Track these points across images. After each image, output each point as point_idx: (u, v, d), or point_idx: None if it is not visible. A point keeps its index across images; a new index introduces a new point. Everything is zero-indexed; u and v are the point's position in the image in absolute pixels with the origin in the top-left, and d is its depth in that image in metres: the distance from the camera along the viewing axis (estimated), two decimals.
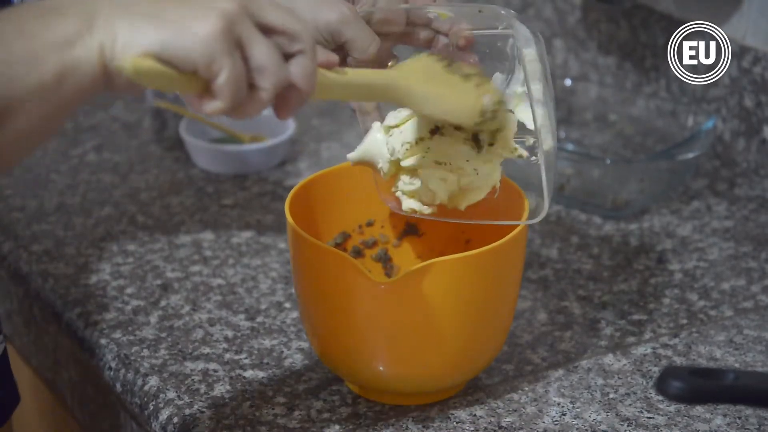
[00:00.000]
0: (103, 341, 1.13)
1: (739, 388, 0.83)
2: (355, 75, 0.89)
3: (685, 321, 1.16)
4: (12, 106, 0.75)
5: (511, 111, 0.98)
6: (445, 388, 1.04)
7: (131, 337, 1.13)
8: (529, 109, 0.98)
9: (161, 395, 1.06)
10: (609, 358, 1.10)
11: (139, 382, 1.08)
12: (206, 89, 0.78)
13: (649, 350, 1.11)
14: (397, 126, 0.98)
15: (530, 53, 0.97)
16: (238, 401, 1.05)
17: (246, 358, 1.10)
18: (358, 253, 1.11)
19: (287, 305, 1.18)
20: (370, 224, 1.12)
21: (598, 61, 1.57)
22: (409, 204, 1.00)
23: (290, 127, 1.45)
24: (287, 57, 0.80)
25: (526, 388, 1.06)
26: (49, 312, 1.21)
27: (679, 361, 1.10)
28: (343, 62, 1.01)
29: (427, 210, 1.00)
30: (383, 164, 0.99)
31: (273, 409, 1.04)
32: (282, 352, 1.11)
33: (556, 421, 1.02)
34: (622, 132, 1.47)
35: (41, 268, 1.24)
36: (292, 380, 1.08)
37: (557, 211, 1.34)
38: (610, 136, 1.48)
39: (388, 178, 1.00)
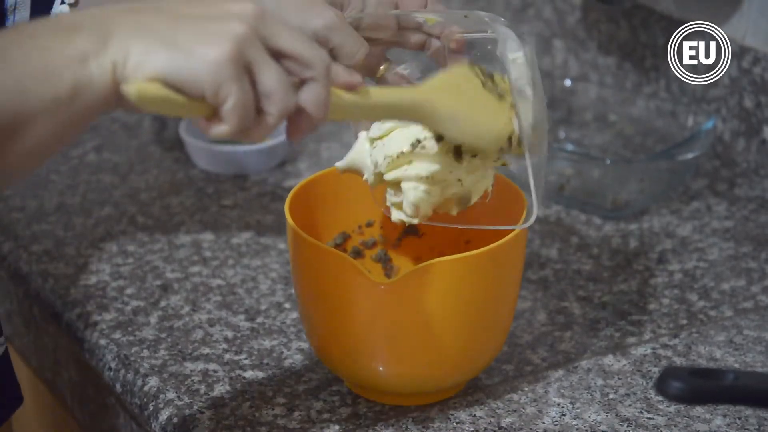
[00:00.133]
0: (102, 342, 1.13)
1: (739, 389, 0.83)
2: (375, 94, 0.86)
3: (685, 321, 1.16)
4: (25, 119, 0.75)
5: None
6: (445, 389, 1.04)
7: (131, 338, 1.13)
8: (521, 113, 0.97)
9: (161, 396, 1.06)
10: (609, 359, 1.10)
11: (139, 382, 1.08)
12: (213, 113, 0.78)
13: (649, 351, 1.11)
14: (380, 138, 0.98)
15: (518, 57, 0.96)
16: (238, 402, 1.05)
17: (246, 358, 1.10)
18: (357, 254, 1.11)
19: (287, 306, 1.18)
20: (369, 225, 1.12)
21: (598, 61, 1.57)
22: (397, 215, 1.00)
23: None
24: (300, 81, 0.80)
25: (526, 389, 1.06)
26: (48, 312, 1.21)
27: (679, 361, 1.10)
28: None
29: (415, 221, 0.99)
30: (368, 175, 0.99)
31: (273, 409, 1.04)
32: (282, 352, 1.11)
33: (556, 421, 1.02)
34: (622, 132, 1.47)
35: (41, 269, 1.24)
36: (292, 381, 1.08)
37: (557, 212, 1.34)
38: (610, 136, 1.48)
39: (375, 188, 1.00)
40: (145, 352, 1.11)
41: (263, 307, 1.18)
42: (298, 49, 0.79)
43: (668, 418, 1.03)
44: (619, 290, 1.21)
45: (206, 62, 0.76)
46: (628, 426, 1.02)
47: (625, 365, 1.09)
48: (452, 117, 0.91)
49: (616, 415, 1.03)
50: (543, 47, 1.62)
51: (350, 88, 0.83)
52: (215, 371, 1.09)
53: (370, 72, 1.04)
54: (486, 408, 1.04)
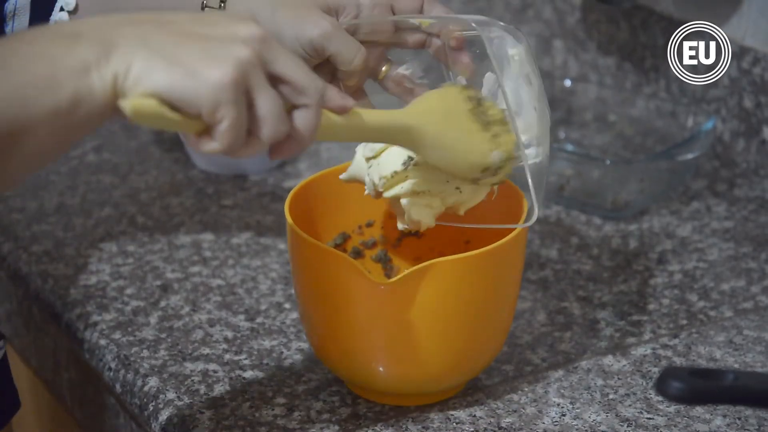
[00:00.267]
0: (102, 342, 1.13)
1: (738, 389, 0.83)
2: (366, 117, 0.87)
3: (684, 321, 1.16)
4: (25, 128, 0.74)
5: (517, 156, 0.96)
6: (445, 389, 1.04)
7: (131, 338, 1.13)
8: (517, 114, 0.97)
9: (161, 396, 1.06)
10: (609, 359, 1.10)
11: (139, 382, 1.08)
12: (205, 130, 0.78)
13: (648, 351, 1.11)
14: (374, 157, 0.99)
15: (516, 53, 0.97)
16: (238, 402, 1.05)
17: (246, 358, 1.10)
18: (357, 254, 1.11)
19: (287, 306, 1.18)
20: (369, 225, 1.12)
21: (598, 61, 1.57)
22: (402, 225, 1.01)
23: None
24: (293, 106, 0.80)
25: (526, 389, 1.06)
26: (48, 313, 1.21)
27: (678, 361, 1.10)
28: (334, 74, 1.01)
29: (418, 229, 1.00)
30: (369, 191, 1.00)
31: (273, 409, 1.04)
32: (282, 352, 1.11)
33: (556, 421, 1.02)
34: (622, 132, 1.47)
35: (41, 269, 1.24)
36: (292, 381, 1.08)
37: (557, 212, 1.34)
38: (609, 136, 1.48)
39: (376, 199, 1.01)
40: (145, 353, 1.11)
41: (263, 308, 1.18)
42: (295, 76, 0.80)
43: (668, 419, 1.03)
44: (619, 290, 1.21)
45: (208, 84, 0.76)
46: (628, 426, 1.02)
47: (625, 365, 1.09)
48: (434, 144, 0.92)
49: (616, 415, 1.03)
50: (543, 48, 1.62)
51: (342, 111, 0.85)
52: (215, 371, 1.09)
53: (372, 74, 1.04)
54: (486, 408, 1.04)
